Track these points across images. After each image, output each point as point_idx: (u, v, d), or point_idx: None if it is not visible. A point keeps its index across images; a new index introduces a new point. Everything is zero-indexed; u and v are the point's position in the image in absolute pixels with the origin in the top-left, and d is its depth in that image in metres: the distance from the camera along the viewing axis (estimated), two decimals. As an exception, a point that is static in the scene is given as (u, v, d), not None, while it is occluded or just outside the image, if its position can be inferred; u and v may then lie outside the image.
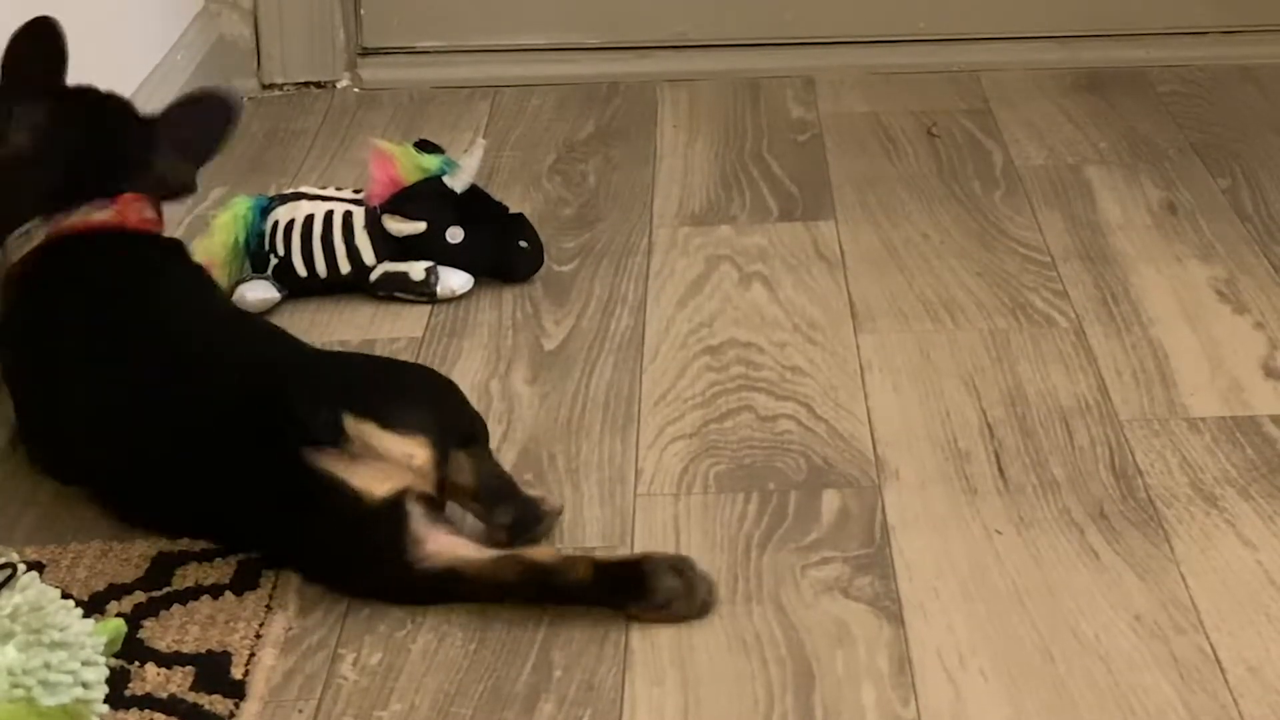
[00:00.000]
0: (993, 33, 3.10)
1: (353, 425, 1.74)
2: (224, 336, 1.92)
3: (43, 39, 1.99)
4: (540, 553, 1.75)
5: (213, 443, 1.79)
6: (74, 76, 2.44)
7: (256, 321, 2.05)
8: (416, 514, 1.74)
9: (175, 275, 2.03)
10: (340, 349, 2.15)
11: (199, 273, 2.08)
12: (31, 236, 1.98)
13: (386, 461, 1.74)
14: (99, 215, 1.99)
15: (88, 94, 2.06)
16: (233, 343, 1.91)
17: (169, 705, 1.62)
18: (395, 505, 1.73)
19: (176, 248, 2.08)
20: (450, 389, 1.89)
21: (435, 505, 1.77)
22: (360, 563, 1.75)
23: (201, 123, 2.11)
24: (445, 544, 1.74)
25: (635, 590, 1.72)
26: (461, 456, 1.80)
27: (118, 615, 1.72)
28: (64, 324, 1.93)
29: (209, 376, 1.84)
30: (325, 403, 1.75)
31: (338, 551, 1.76)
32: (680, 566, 1.73)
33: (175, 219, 2.59)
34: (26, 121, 1.99)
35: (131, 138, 2.05)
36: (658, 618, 1.72)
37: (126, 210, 2.00)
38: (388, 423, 1.75)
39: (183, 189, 2.10)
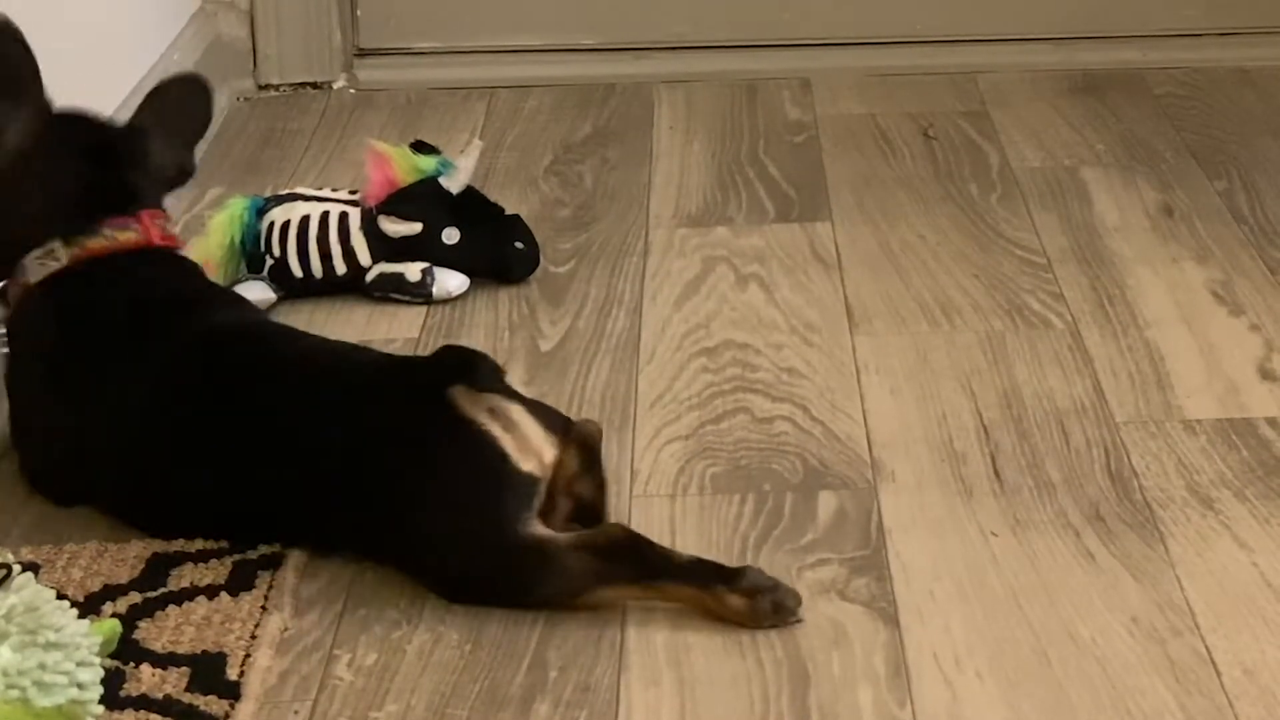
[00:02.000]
0: (989, 34, 3.10)
1: (503, 401, 1.76)
2: (306, 345, 1.93)
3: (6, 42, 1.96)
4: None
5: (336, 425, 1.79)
6: (71, 77, 2.44)
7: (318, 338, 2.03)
8: (539, 500, 1.75)
9: (218, 291, 2.04)
10: None
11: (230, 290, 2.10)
12: (55, 256, 1.93)
13: (529, 445, 1.76)
14: (124, 235, 1.94)
15: (77, 117, 2.02)
16: (320, 350, 1.92)
17: (164, 706, 1.62)
18: (534, 482, 1.75)
19: (197, 266, 2.06)
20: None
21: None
22: (479, 512, 1.74)
23: (180, 106, 2.07)
24: (540, 524, 1.76)
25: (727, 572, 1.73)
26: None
27: (113, 616, 1.71)
28: (113, 346, 1.89)
29: (315, 379, 1.84)
30: (492, 364, 1.80)
31: (465, 499, 1.74)
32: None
33: (172, 220, 2.59)
34: (21, 134, 1.96)
35: (126, 145, 2.02)
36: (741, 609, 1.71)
37: (150, 228, 1.97)
38: (534, 413, 1.78)
39: (183, 173, 2.07)
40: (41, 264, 1.93)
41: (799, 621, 1.71)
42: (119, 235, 1.95)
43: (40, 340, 1.93)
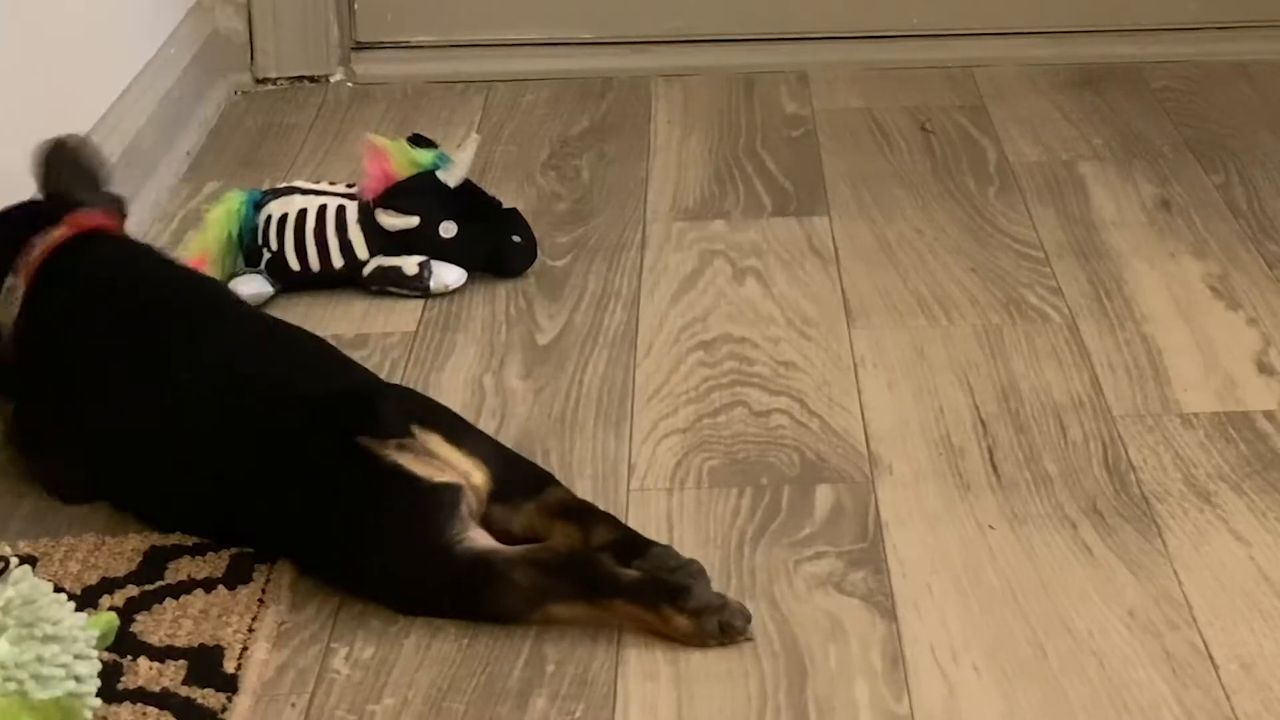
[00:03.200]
0: (987, 29, 3.10)
1: (419, 432, 1.75)
2: (266, 334, 1.94)
3: None
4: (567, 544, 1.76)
5: (271, 436, 1.79)
6: (68, 71, 2.44)
7: (280, 325, 2.03)
8: (466, 508, 1.74)
9: (176, 268, 2.05)
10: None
11: (190, 268, 2.11)
12: (15, 290, 1.96)
13: (449, 466, 1.75)
14: (56, 233, 1.98)
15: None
16: (279, 341, 1.93)
17: (161, 699, 1.62)
18: (453, 490, 1.73)
19: (150, 247, 2.09)
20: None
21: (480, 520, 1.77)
22: (404, 535, 1.73)
23: (75, 161, 2.09)
24: (485, 537, 1.74)
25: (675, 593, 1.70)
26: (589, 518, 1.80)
27: (110, 609, 1.71)
28: (75, 339, 1.92)
29: (266, 372, 1.86)
30: (397, 404, 1.79)
31: (386, 527, 1.74)
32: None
33: (169, 214, 2.59)
34: None
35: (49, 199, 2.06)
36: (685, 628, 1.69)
37: (78, 219, 2.00)
38: (452, 439, 1.77)
39: (116, 202, 2.09)
40: (8, 304, 1.97)
41: (748, 640, 1.68)
42: (51, 235, 1.97)
43: (30, 358, 1.95)
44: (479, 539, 1.73)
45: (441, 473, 1.74)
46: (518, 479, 1.80)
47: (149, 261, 2.03)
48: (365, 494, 1.74)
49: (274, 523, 1.79)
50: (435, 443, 1.76)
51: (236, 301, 2.06)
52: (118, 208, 2.10)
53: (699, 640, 1.67)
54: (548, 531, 1.77)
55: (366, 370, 1.97)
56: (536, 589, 1.70)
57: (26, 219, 2.02)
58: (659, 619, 1.68)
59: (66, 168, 2.08)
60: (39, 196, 2.08)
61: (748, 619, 1.69)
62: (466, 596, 1.72)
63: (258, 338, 1.94)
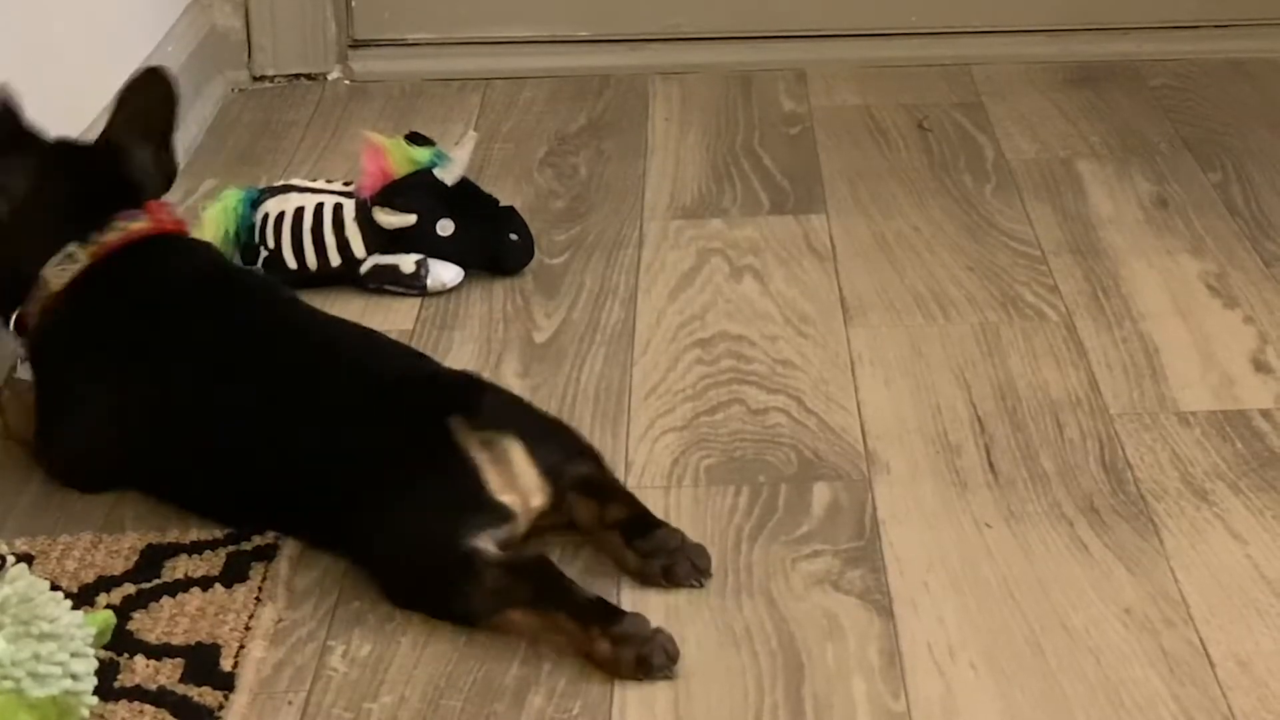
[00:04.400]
0: (984, 26, 3.10)
1: (506, 437, 1.76)
2: (338, 329, 1.95)
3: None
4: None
5: (350, 423, 1.80)
6: (66, 68, 2.44)
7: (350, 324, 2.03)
8: (507, 533, 1.74)
9: (242, 273, 2.08)
10: None
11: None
12: (74, 259, 1.95)
13: (515, 481, 1.75)
14: (135, 224, 1.97)
15: (63, 144, 2.04)
16: (349, 335, 1.95)
17: (158, 697, 1.62)
18: (503, 513, 1.74)
19: (211, 246, 2.10)
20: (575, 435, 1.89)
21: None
22: (434, 528, 1.73)
23: (145, 106, 2.08)
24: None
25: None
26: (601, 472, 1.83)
27: (107, 607, 1.71)
28: (146, 329, 1.92)
29: (345, 366, 1.87)
30: (495, 398, 1.82)
31: (427, 507, 1.74)
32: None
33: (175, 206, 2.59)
34: (22, 181, 1.98)
35: (110, 154, 2.03)
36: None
37: (159, 214, 2.00)
38: (532, 453, 1.77)
39: (166, 171, 2.08)
40: (61, 269, 1.95)
41: (667, 678, 1.65)
42: (130, 225, 1.97)
43: (75, 336, 1.94)
44: (485, 542, 1.73)
45: (509, 489, 1.75)
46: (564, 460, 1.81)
47: (213, 271, 2.01)
48: (428, 468, 1.75)
49: (325, 485, 1.79)
50: (516, 453, 1.76)
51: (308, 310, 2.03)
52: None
53: (613, 669, 1.65)
54: (569, 504, 1.80)
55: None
56: (501, 591, 1.70)
57: (111, 191, 1.99)
58: (586, 639, 1.66)
59: (133, 115, 2.05)
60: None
61: (672, 659, 1.65)
62: (443, 590, 1.72)
63: (336, 330, 1.95)
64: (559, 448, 1.81)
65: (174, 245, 2.00)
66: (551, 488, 1.78)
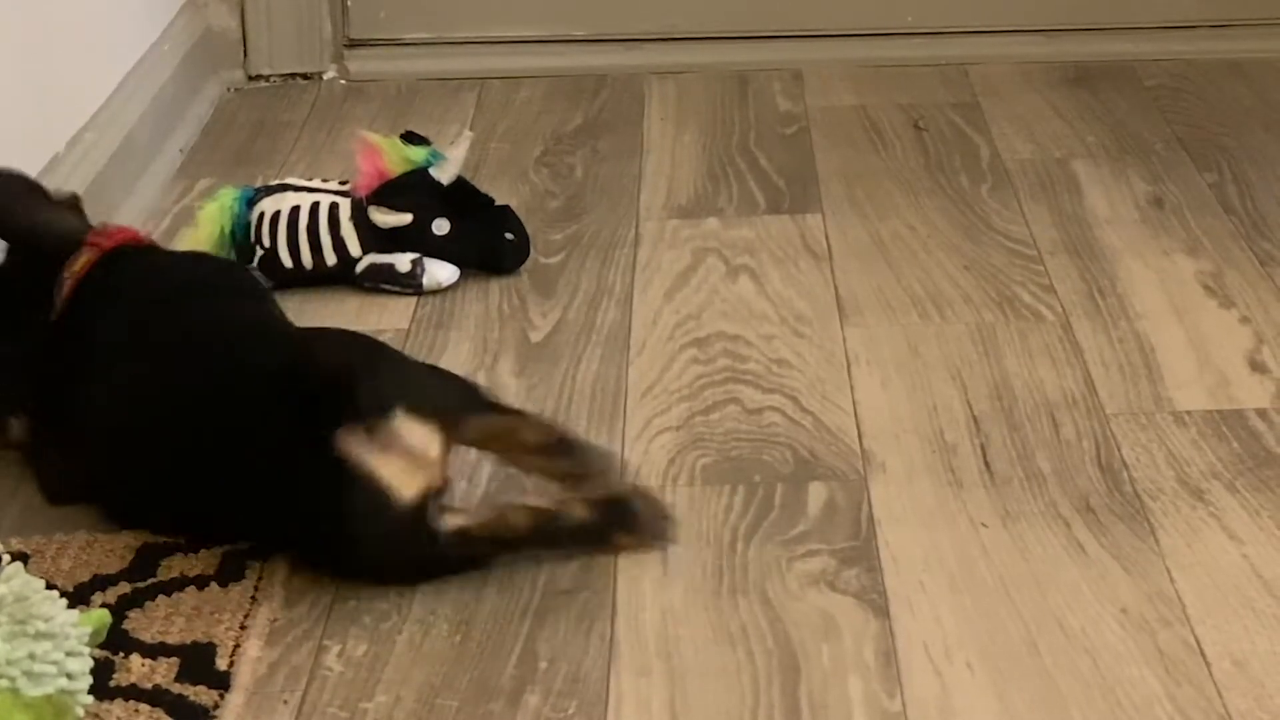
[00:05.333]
0: (980, 26, 3.10)
1: (384, 419, 1.74)
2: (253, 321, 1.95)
3: None
4: (538, 500, 1.81)
5: (250, 426, 1.79)
6: (61, 68, 2.44)
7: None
8: (434, 510, 1.76)
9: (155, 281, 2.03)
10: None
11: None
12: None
13: (410, 455, 1.74)
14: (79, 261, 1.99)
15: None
16: (264, 326, 1.95)
17: (154, 696, 1.62)
18: (421, 509, 1.74)
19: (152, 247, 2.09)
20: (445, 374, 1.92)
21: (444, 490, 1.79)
22: (384, 552, 1.76)
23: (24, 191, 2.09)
24: (454, 517, 1.78)
25: (627, 523, 1.81)
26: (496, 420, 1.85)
27: (102, 606, 1.71)
28: (96, 335, 1.93)
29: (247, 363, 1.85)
30: (369, 386, 1.77)
31: (364, 542, 1.76)
32: (658, 506, 1.84)
33: (162, 211, 2.59)
34: None
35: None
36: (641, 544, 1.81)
37: (99, 239, 2.01)
38: (414, 411, 1.76)
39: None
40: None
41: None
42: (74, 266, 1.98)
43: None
44: (450, 525, 1.76)
45: (409, 474, 1.74)
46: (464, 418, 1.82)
47: (153, 266, 2.02)
48: (340, 505, 1.75)
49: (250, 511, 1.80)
50: (405, 426, 1.75)
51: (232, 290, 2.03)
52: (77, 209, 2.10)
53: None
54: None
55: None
56: (510, 546, 1.79)
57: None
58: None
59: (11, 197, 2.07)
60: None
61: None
62: (447, 569, 1.78)
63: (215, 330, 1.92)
64: (451, 396, 1.83)
65: (109, 262, 1.99)
66: (442, 428, 1.77)
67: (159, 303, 1.95)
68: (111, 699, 1.61)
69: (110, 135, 2.52)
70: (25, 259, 2.02)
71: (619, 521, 1.81)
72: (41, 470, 1.94)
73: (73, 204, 2.11)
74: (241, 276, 2.12)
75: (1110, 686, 1.62)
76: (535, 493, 1.85)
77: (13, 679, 1.49)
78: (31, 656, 1.50)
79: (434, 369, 1.94)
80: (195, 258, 2.15)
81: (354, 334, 1.93)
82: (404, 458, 1.74)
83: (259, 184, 2.46)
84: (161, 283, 1.99)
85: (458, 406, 1.82)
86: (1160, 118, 2.85)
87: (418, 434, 1.75)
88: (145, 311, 1.93)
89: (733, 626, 1.71)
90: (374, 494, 1.73)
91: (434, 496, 1.76)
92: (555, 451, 1.84)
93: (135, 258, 2.01)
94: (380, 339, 1.97)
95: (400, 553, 1.76)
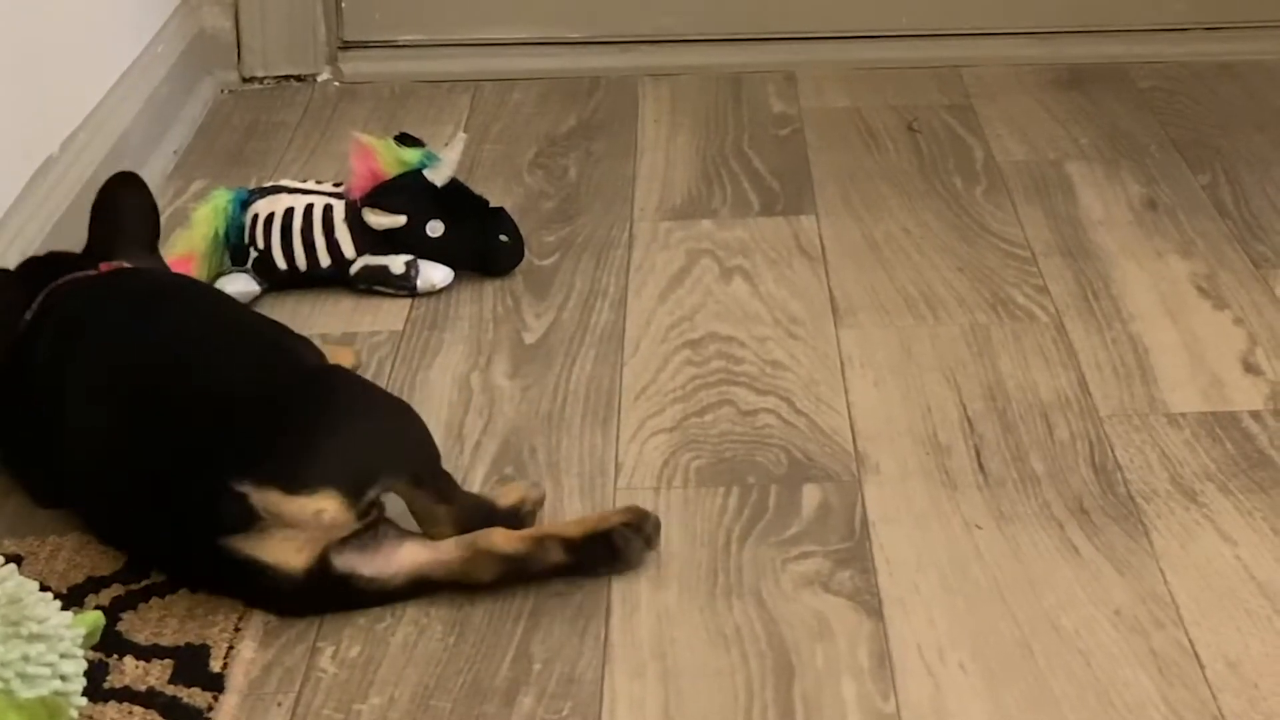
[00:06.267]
0: (974, 28, 3.10)
1: (258, 497, 1.69)
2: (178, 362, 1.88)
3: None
4: (507, 543, 1.75)
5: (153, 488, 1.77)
6: (56, 70, 2.44)
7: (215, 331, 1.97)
8: (348, 556, 1.73)
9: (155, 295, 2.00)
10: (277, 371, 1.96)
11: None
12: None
13: (297, 527, 1.70)
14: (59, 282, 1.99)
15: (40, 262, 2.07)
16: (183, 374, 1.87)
17: (147, 698, 1.62)
18: (319, 570, 1.72)
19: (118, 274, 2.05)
20: (367, 421, 1.80)
21: (366, 530, 1.74)
22: (302, 609, 1.75)
23: (125, 209, 2.09)
24: (402, 556, 1.75)
25: (608, 560, 1.78)
26: (420, 496, 1.79)
27: (96, 608, 1.71)
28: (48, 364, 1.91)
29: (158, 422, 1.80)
30: (230, 483, 1.70)
31: (277, 605, 1.75)
32: (641, 526, 1.79)
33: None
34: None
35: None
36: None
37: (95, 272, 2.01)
38: (289, 487, 1.69)
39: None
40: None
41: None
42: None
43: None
44: (399, 566, 1.74)
45: (295, 546, 1.70)
46: (373, 472, 1.75)
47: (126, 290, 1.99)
48: (245, 589, 1.74)
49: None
50: (274, 500, 1.69)
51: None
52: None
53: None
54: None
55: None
56: (478, 588, 1.76)
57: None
58: None
59: (113, 222, 2.08)
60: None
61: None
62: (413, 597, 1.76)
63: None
64: (367, 459, 1.76)
65: (77, 286, 1.98)
66: (331, 489, 1.70)
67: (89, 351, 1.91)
68: (105, 701, 1.61)
69: (104, 136, 2.52)
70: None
71: (600, 558, 1.77)
72: (29, 476, 1.94)
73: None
74: (194, 302, 2.05)
75: (1104, 688, 1.63)
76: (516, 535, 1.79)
77: (6, 681, 1.49)
78: (25, 658, 1.50)
79: (379, 424, 1.82)
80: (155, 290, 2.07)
81: (281, 390, 1.82)
82: (286, 530, 1.70)
83: (253, 185, 2.46)
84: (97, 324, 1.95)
85: (364, 471, 1.73)
86: (1153, 119, 2.85)
87: (297, 508, 1.69)
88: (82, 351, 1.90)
89: (727, 628, 1.71)
90: (265, 573, 1.71)
91: (340, 548, 1.72)
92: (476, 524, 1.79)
93: (94, 288, 1.99)
94: (341, 373, 1.88)
95: (319, 604, 1.74)
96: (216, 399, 1.78)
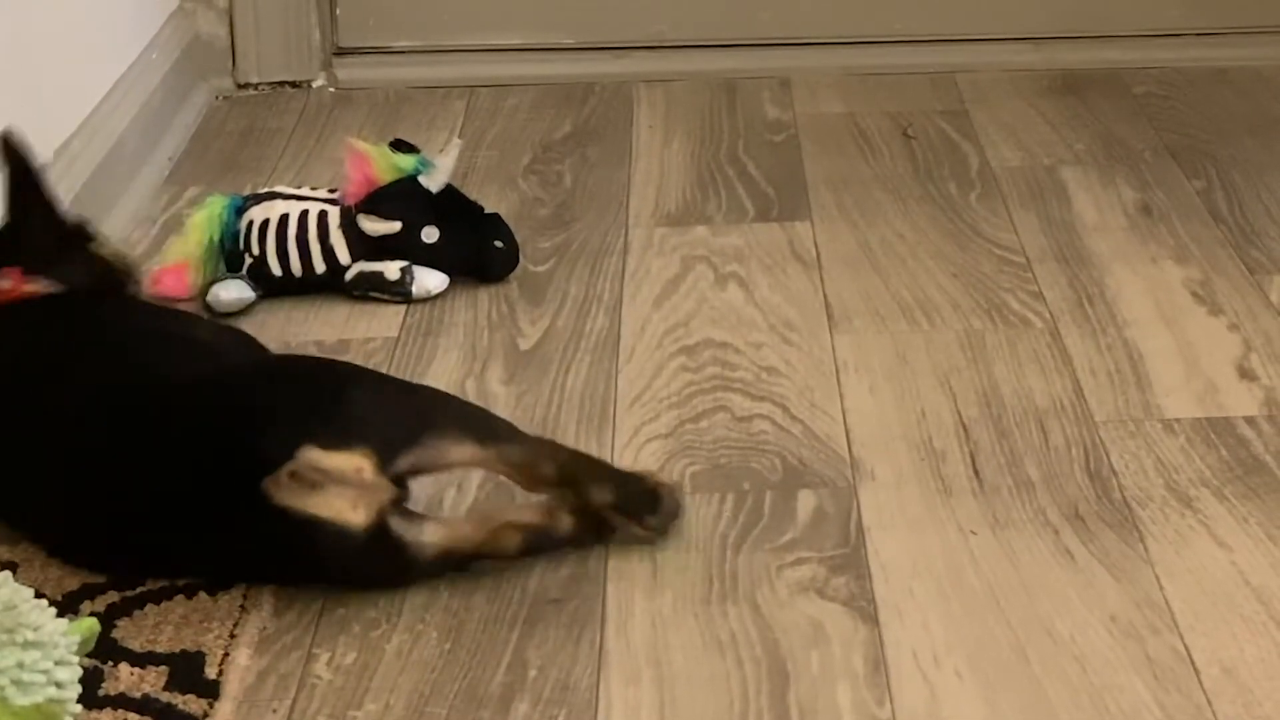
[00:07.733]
0: (969, 34, 3.10)
1: (303, 456, 1.70)
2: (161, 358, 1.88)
3: None
4: (527, 514, 1.80)
5: (176, 482, 1.76)
6: (49, 75, 2.44)
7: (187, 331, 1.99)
8: (398, 524, 1.74)
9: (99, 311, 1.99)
10: (280, 354, 2.08)
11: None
12: None
13: (344, 483, 1.71)
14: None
15: None
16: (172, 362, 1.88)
17: (143, 705, 1.62)
18: (379, 531, 1.73)
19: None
20: (394, 386, 1.88)
21: (402, 500, 1.78)
22: (357, 576, 1.76)
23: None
24: (433, 531, 1.77)
25: (650, 505, 1.83)
26: (496, 452, 1.82)
27: (91, 615, 1.71)
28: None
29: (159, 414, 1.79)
30: (271, 451, 1.71)
31: (334, 573, 1.76)
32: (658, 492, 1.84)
33: (150, 218, 2.59)
34: None
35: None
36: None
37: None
38: (327, 443, 1.71)
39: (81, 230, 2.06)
40: None
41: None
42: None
43: None
44: (431, 540, 1.76)
45: (351, 502, 1.71)
46: (402, 434, 1.78)
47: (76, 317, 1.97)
48: (296, 553, 1.74)
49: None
50: (314, 456, 1.71)
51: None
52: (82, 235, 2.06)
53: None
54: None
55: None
56: (500, 557, 1.79)
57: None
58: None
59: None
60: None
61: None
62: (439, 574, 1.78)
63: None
64: (394, 425, 1.78)
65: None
66: (366, 447, 1.72)
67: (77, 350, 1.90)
68: (100, 708, 1.61)
69: (98, 143, 2.52)
70: None
71: (610, 528, 1.82)
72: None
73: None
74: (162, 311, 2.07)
75: (1099, 693, 1.63)
76: (525, 505, 1.84)
77: (1, 688, 1.48)
78: (20, 665, 1.50)
79: (397, 393, 1.85)
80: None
81: (287, 363, 1.87)
82: (339, 487, 1.71)
83: (248, 192, 2.46)
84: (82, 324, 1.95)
85: (395, 435, 1.76)
86: (1148, 125, 2.86)
87: (340, 463, 1.71)
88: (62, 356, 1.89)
89: (722, 634, 1.71)
90: (326, 532, 1.71)
91: (391, 509, 1.74)
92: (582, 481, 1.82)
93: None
94: (346, 359, 1.92)
95: (374, 571, 1.75)
96: (218, 385, 1.81)
